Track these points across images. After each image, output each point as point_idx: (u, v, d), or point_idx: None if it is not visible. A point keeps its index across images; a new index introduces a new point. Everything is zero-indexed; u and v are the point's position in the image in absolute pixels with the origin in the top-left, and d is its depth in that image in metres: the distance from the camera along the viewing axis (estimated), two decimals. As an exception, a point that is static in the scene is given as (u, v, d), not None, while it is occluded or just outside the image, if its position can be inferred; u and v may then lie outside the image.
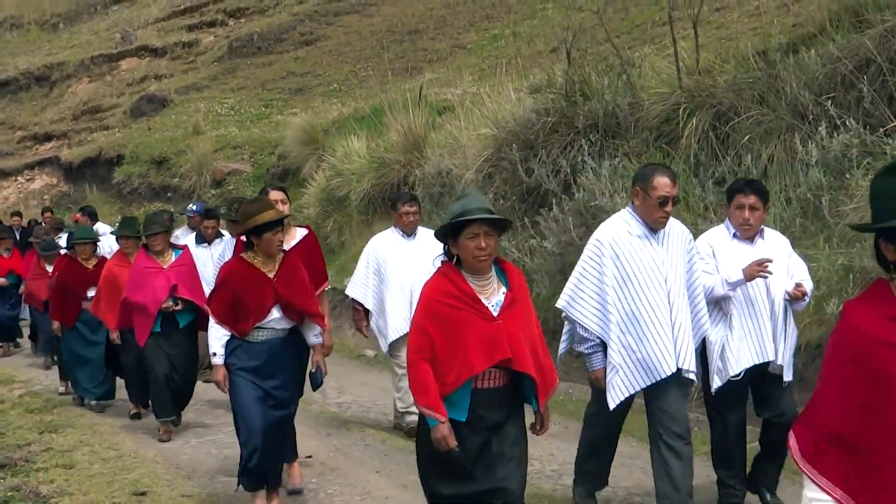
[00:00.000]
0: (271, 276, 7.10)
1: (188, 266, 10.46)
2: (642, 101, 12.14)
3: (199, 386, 11.03)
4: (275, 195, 8.35)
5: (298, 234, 8.65)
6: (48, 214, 22.11)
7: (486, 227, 5.15)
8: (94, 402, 12.06)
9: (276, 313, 7.13)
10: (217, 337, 7.10)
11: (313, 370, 7.46)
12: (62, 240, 15.81)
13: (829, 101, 10.04)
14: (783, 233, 8.52)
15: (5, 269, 17.31)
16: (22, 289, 16.58)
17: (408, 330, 7.57)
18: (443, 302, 5.18)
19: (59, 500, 8.01)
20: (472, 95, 17.02)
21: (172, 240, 12.58)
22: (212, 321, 7.12)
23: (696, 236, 10.36)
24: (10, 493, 8.10)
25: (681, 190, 10.90)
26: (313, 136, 21.20)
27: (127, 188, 27.27)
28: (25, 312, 17.33)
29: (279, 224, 7.10)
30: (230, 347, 7.10)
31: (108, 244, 14.68)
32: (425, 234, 9.57)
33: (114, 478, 8.67)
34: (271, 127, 26.10)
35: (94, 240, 12.41)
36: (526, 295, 5.50)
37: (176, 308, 10.19)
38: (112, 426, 11.05)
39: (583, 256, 6.71)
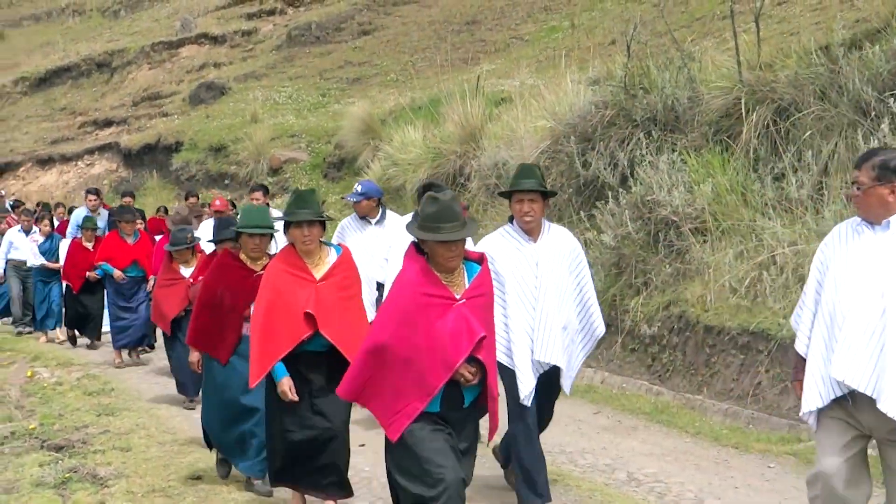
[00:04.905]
0: None
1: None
2: (702, 96, 12.04)
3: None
4: None
5: None
6: (193, 199, 17.50)
7: None
8: (258, 482, 7.93)
9: None
10: None
11: None
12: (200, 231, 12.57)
13: (892, 98, 9.90)
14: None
15: (128, 258, 14.22)
16: (149, 286, 13.54)
17: None
18: None
19: (115, 482, 8.11)
20: (530, 87, 16.98)
21: (341, 232, 10.10)
22: None
23: (755, 232, 10.34)
24: (67, 475, 8.24)
25: (739, 185, 10.89)
26: (370, 125, 21.25)
27: (185, 175, 27.47)
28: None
29: None
30: None
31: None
32: None
33: (170, 461, 8.78)
34: (328, 116, 26.18)
35: (270, 229, 7.77)
36: None
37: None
38: (168, 411, 11.15)
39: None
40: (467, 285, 5.61)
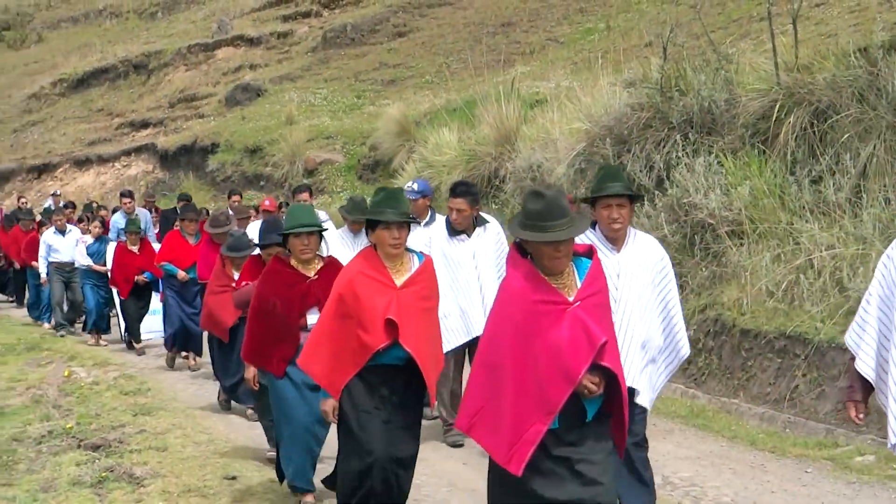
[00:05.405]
0: None
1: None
2: (739, 98, 11.97)
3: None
4: None
5: None
6: (236, 197, 16.05)
7: None
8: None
9: None
10: None
11: None
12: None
13: (933, 101, 9.84)
14: (884, 231, 8.35)
15: (190, 258, 13.45)
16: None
17: None
18: None
19: (151, 481, 8.14)
20: (565, 89, 16.93)
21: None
22: None
23: (792, 235, 10.27)
24: (104, 474, 8.28)
25: (776, 188, 10.81)
26: (405, 127, 21.27)
27: (221, 176, 27.60)
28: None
29: None
30: None
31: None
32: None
33: (205, 461, 8.79)
34: (363, 118, 26.23)
35: (318, 227, 7.27)
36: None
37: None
38: (204, 411, 11.20)
39: None
40: (579, 284, 4.95)
